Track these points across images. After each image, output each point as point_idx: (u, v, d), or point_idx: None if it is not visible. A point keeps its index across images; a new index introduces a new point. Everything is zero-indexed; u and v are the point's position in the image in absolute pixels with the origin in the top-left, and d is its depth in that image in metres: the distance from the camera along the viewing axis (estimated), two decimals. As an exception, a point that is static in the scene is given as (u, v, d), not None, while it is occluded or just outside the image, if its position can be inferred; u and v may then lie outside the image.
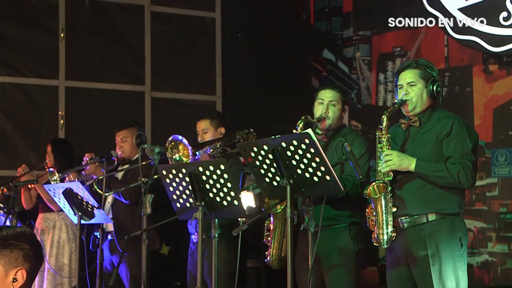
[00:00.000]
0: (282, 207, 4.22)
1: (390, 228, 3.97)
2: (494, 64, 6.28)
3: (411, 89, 4.12)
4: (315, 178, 3.68)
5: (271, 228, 4.41)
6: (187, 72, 7.61)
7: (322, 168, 3.65)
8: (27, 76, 7.03)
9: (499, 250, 6.14)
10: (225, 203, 3.99)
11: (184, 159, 4.66)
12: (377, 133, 4.06)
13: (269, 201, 4.28)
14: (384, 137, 4.04)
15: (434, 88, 4.11)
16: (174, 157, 4.69)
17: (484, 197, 6.25)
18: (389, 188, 3.99)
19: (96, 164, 5.77)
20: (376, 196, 3.95)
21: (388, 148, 4.03)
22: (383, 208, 3.95)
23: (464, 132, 4.02)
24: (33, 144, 6.95)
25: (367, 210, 4.02)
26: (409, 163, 3.97)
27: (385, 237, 3.97)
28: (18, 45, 7.02)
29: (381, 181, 3.98)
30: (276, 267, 4.43)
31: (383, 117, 4.03)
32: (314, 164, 3.65)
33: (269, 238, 4.41)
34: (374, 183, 3.98)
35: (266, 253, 4.44)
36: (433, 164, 3.98)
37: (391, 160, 3.97)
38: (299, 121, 4.35)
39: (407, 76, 4.14)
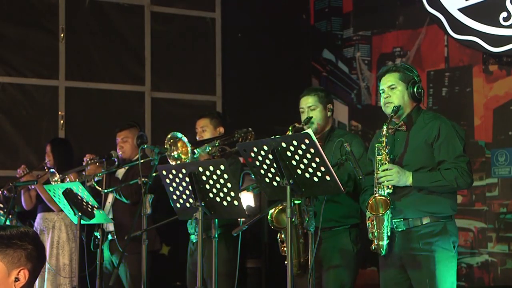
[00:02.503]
0: (293, 223, 4.19)
1: (389, 234, 4.01)
2: (494, 64, 6.28)
3: (392, 92, 4.14)
4: (315, 179, 3.69)
5: (284, 239, 4.40)
6: (187, 72, 7.61)
7: (322, 168, 3.65)
8: (27, 76, 7.03)
9: (499, 250, 6.14)
10: (225, 203, 3.99)
11: (183, 156, 4.66)
12: (376, 145, 4.07)
13: (276, 217, 4.27)
14: (384, 150, 4.04)
15: (415, 90, 4.13)
16: (172, 154, 4.69)
17: (484, 197, 6.25)
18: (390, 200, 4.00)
19: (97, 165, 5.77)
20: (380, 215, 3.95)
21: (388, 161, 4.03)
22: (386, 222, 3.97)
23: (453, 133, 4.05)
24: (33, 144, 6.95)
25: (368, 222, 4.03)
26: (406, 180, 3.99)
27: (385, 245, 4.02)
28: (18, 45, 7.02)
29: (383, 196, 3.98)
30: (296, 274, 4.40)
31: (383, 128, 4.05)
32: (314, 164, 3.65)
33: (284, 249, 4.40)
34: (376, 197, 3.98)
35: (286, 262, 4.42)
36: (428, 174, 4.01)
37: (390, 176, 3.98)
38: (288, 131, 4.39)
39: (387, 80, 4.17)
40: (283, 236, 4.40)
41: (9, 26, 7.00)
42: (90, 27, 7.30)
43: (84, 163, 5.77)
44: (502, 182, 6.16)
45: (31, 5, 7.09)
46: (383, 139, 4.03)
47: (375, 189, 4.01)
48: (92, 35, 7.30)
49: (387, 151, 4.03)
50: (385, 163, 4.01)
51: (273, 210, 4.18)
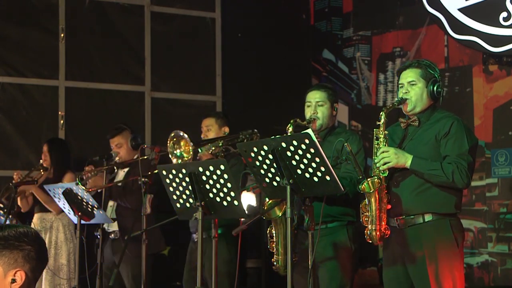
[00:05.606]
0: (281, 213, 4.20)
1: (384, 225, 3.97)
2: (494, 64, 6.28)
3: (411, 88, 4.12)
4: (315, 178, 3.68)
5: (274, 234, 4.39)
6: (187, 72, 7.61)
7: (322, 168, 3.65)
8: (27, 76, 7.03)
9: (499, 250, 6.14)
10: (225, 203, 3.99)
11: (185, 155, 4.65)
12: (374, 130, 4.06)
13: (268, 207, 4.26)
14: (381, 134, 4.04)
15: (435, 88, 4.10)
16: (175, 152, 4.69)
17: (484, 197, 6.25)
18: (385, 185, 3.99)
19: (97, 176, 5.75)
20: (370, 191, 3.94)
21: (385, 145, 4.03)
22: (377, 204, 3.94)
23: (463, 132, 4.02)
24: (33, 144, 6.94)
25: (361, 206, 4.02)
26: (405, 160, 3.97)
27: (378, 233, 3.96)
28: (18, 45, 7.01)
29: (376, 177, 3.98)
30: (284, 273, 4.30)
31: (381, 113, 4.04)
32: (314, 164, 3.65)
33: (273, 245, 4.39)
34: (369, 179, 3.98)
35: (273, 260, 4.40)
36: (429, 162, 3.98)
37: (388, 157, 3.97)
38: (289, 125, 4.38)
39: (408, 75, 4.14)
40: (273, 231, 4.38)
41: (9, 26, 7.00)
42: (90, 27, 7.30)
43: (84, 175, 5.60)
44: (502, 182, 6.16)
45: (31, 5, 7.08)
46: (382, 122, 4.01)
47: (372, 174, 4.00)
48: (92, 35, 7.30)
49: (384, 134, 4.01)
50: (382, 147, 4.00)
51: (267, 200, 4.17)
